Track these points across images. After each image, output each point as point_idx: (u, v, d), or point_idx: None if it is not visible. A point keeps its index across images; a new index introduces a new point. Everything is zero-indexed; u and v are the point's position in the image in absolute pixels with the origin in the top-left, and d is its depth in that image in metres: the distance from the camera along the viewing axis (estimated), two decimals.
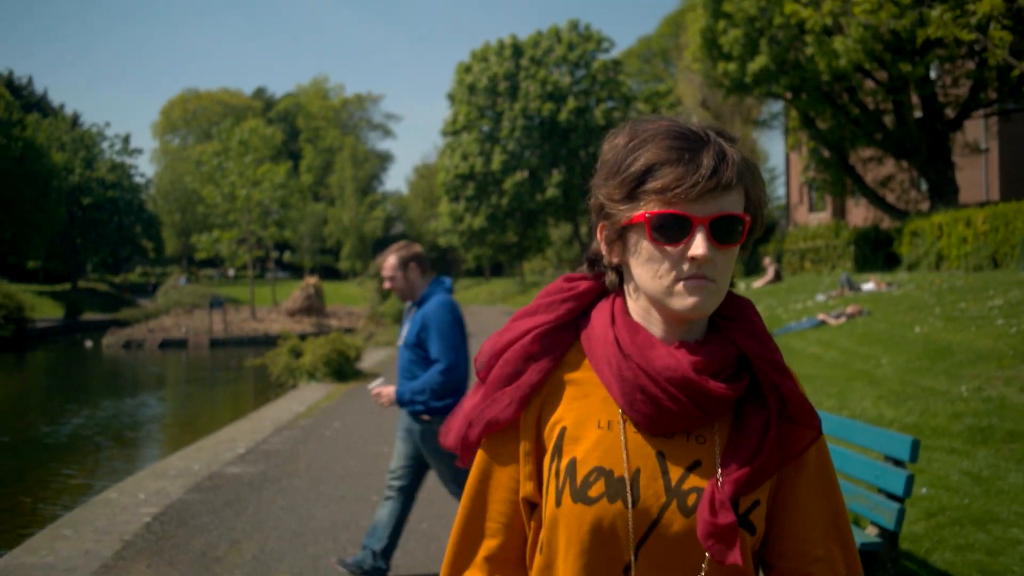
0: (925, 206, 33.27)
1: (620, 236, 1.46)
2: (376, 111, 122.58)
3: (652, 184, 1.38)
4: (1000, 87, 27.98)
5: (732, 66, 29.06)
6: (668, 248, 1.40)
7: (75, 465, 11.83)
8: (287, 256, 56.41)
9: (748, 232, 1.44)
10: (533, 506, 1.53)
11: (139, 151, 69.68)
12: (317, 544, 6.19)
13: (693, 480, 1.42)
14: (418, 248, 5.31)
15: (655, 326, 1.48)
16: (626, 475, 1.42)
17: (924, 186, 33.55)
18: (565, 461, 1.46)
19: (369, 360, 20.15)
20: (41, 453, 12.74)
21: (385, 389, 5.11)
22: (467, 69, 42.63)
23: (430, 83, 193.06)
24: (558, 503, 1.44)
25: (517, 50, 41.80)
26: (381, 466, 8.69)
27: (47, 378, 25.91)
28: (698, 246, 1.37)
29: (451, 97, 43.61)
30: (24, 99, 65.81)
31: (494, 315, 40.38)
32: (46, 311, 46.31)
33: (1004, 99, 30.54)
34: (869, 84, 29.86)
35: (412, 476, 5.26)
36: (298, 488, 7.92)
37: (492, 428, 1.52)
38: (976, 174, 41.54)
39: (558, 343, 1.53)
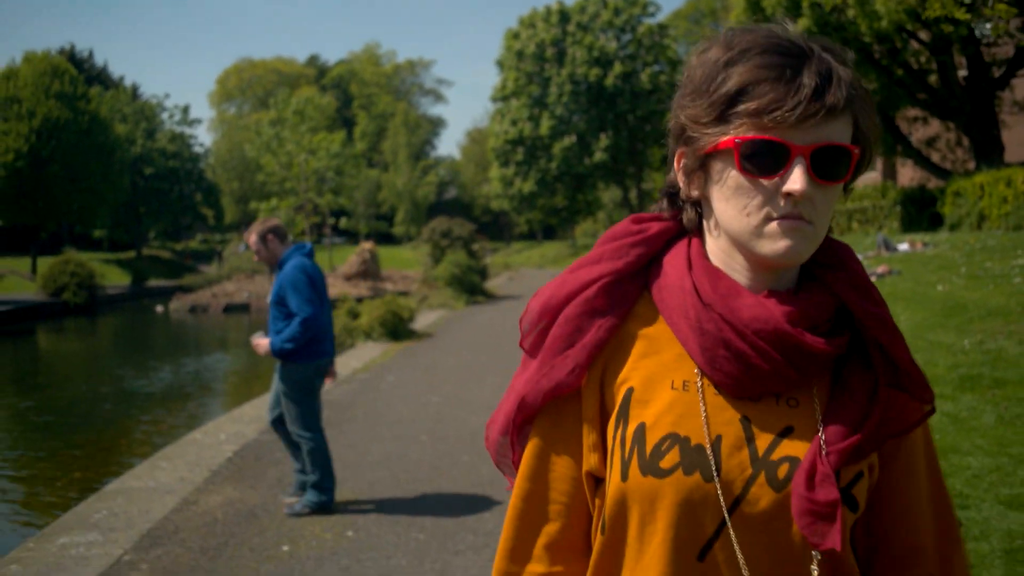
0: (971, 166, 33.46)
1: (702, 165, 1.28)
2: (428, 76, 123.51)
3: (746, 105, 1.20)
4: None
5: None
6: (761, 180, 1.22)
7: (164, 412, 13.14)
8: (343, 222, 57.61)
9: (855, 167, 1.25)
10: (598, 481, 1.34)
11: (198, 121, 71.39)
12: (372, 472, 7.24)
13: (785, 449, 1.24)
14: (275, 222, 6.32)
15: (739, 273, 1.30)
16: (706, 443, 1.24)
17: (968, 145, 33.68)
18: (632, 427, 1.27)
19: (422, 321, 21.26)
20: (135, 402, 14.12)
21: (262, 341, 6.12)
22: (515, 36, 43.35)
23: (481, 48, 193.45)
24: (624, 476, 1.25)
25: (564, 16, 42.40)
26: (430, 412, 9.74)
27: (126, 339, 27.45)
28: (796, 180, 1.19)
29: (500, 63, 44.39)
30: (86, 72, 67.55)
31: (545, 278, 41.27)
32: (114, 278, 48.07)
33: None
34: (913, 44, 30.08)
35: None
36: (356, 430, 8.98)
37: (553, 395, 1.32)
38: None
39: (626, 295, 1.34)
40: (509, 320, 21.02)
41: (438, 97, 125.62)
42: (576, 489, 1.34)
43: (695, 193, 1.30)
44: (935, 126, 34.31)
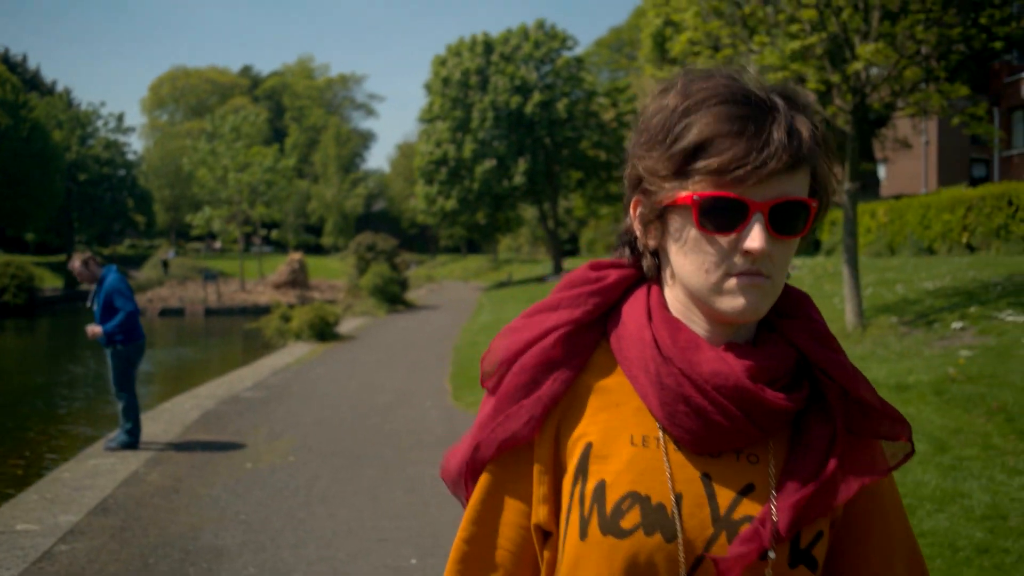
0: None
1: (659, 216, 1.24)
2: (360, 91, 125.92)
3: (706, 161, 1.15)
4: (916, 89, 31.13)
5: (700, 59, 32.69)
6: (718, 237, 1.18)
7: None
8: (274, 234, 59.99)
9: (813, 220, 1.20)
10: (546, 535, 1.31)
11: (132, 129, 72.92)
12: (306, 428, 9.99)
13: (745, 508, 1.20)
14: (89, 253, 9.09)
15: (698, 324, 1.26)
16: (668, 502, 1.20)
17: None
18: (592, 484, 1.23)
19: (347, 326, 23.94)
20: (98, 386, 16.58)
21: (95, 328, 8.79)
22: (442, 63, 46.11)
23: (413, 63, 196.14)
24: (583, 535, 1.22)
25: (488, 47, 45.30)
26: (350, 392, 12.51)
27: (72, 338, 29.62)
28: (754, 238, 1.16)
29: (427, 87, 47.09)
30: (19, 76, 68.79)
31: (467, 290, 44.13)
32: (47, 281, 49.65)
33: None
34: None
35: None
36: (292, 404, 11.70)
37: (507, 447, 1.28)
38: (916, 165, 45.36)
39: (584, 345, 1.30)
40: (423, 327, 23.90)
41: (369, 111, 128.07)
42: (524, 539, 1.30)
43: (652, 243, 1.27)
44: None
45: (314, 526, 6.34)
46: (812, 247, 33.78)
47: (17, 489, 7.95)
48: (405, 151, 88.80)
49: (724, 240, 1.18)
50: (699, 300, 1.23)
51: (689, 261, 1.21)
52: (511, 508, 1.31)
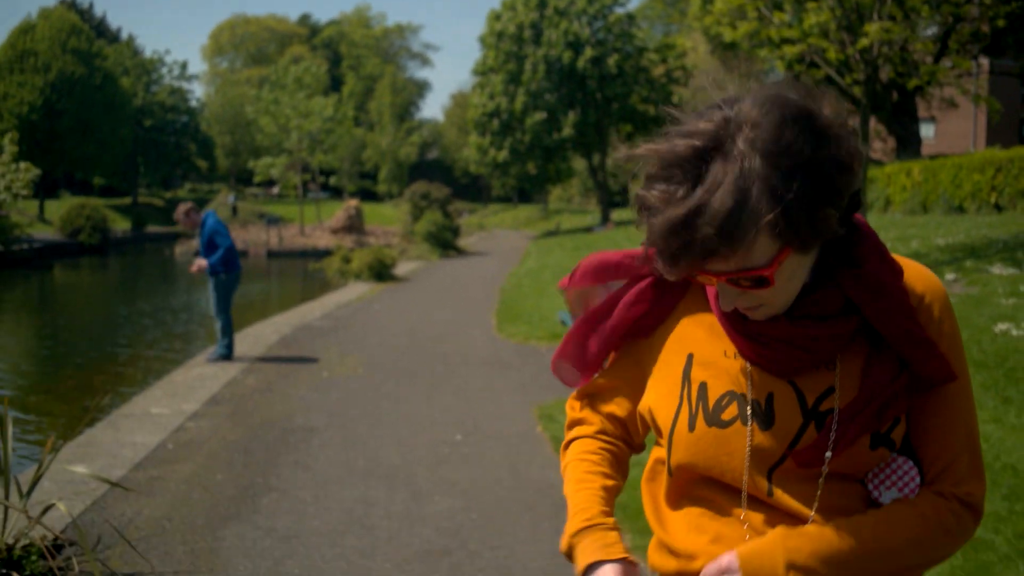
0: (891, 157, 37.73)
1: None
2: (415, 40, 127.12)
3: (653, 244, 1.30)
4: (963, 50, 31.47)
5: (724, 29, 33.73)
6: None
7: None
8: (332, 180, 61.94)
9: (772, 279, 1.30)
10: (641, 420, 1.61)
11: (196, 77, 75.15)
12: (369, 349, 11.74)
13: (829, 403, 1.41)
14: (191, 203, 10.75)
15: None
16: (759, 398, 1.43)
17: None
18: (696, 387, 1.48)
19: (402, 269, 25.72)
20: (196, 313, 18.53)
21: (201, 262, 10.49)
22: (497, 17, 47.38)
23: (467, 14, 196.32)
24: (691, 428, 1.46)
25: (543, 1, 46.47)
26: (406, 324, 14.27)
27: (163, 275, 31.84)
28: (724, 300, 1.37)
29: (482, 41, 48.45)
30: (87, 24, 71.06)
31: (517, 238, 45.74)
32: (116, 223, 52.16)
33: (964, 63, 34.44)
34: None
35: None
36: (357, 331, 13.47)
37: (629, 337, 1.59)
38: (967, 124, 45.96)
39: (684, 280, 1.48)
40: (473, 271, 25.66)
41: (424, 61, 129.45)
42: (637, 394, 1.62)
43: None
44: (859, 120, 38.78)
45: (381, 414, 8.09)
46: None
47: (142, 388, 9.81)
48: (459, 101, 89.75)
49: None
50: None
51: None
52: (633, 375, 1.62)
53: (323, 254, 32.46)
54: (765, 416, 1.43)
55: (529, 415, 8.09)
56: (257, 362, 10.80)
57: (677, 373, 1.52)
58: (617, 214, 52.56)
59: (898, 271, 1.43)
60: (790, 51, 14.45)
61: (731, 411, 1.45)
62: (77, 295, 26.22)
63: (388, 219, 58.98)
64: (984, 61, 40.43)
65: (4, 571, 4.24)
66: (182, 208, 10.80)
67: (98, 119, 52.47)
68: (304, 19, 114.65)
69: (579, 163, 56.88)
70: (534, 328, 13.37)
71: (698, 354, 1.51)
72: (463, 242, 38.46)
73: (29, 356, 15.32)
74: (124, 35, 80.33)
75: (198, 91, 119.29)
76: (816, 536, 1.37)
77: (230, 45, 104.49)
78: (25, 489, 4.45)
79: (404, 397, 8.87)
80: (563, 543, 1.57)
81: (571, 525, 1.55)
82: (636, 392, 1.62)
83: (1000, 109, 24.07)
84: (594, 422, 1.69)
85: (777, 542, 1.37)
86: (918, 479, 1.46)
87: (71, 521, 4.67)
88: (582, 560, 1.50)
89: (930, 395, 1.46)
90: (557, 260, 27.02)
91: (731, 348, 1.48)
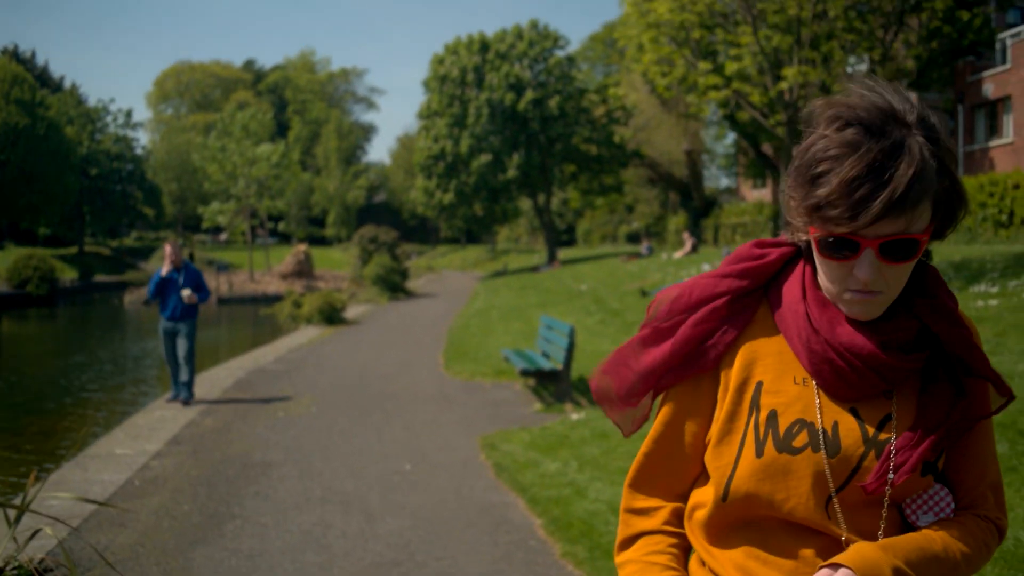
0: None
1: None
2: (361, 85, 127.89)
3: (824, 210, 1.40)
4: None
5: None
6: (835, 263, 1.46)
7: (159, 370, 17.93)
8: (280, 226, 62.46)
9: (920, 250, 1.43)
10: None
11: (140, 124, 75.17)
12: (321, 389, 12.25)
13: (887, 432, 1.51)
14: (180, 241, 11.73)
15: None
16: (826, 427, 1.51)
17: None
18: (764, 414, 1.54)
19: (352, 312, 26.21)
20: (143, 362, 18.86)
21: (192, 295, 11.01)
22: (440, 61, 48.27)
23: (412, 58, 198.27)
24: (759, 454, 1.52)
25: (484, 46, 47.47)
26: (356, 364, 14.79)
27: (113, 324, 31.94)
28: (862, 270, 1.42)
29: (426, 84, 49.29)
30: (30, 72, 70.94)
31: (465, 280, 46.39)
32: (63, 273, 51.97)
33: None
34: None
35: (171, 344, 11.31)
36: (309, 373, 13.97)
37: (692, 375, 1.61)
38: None
39: (747, 307, 1.61)
40: (422, 312, 26.21)
41: (370, 105, 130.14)
42: (700, 445, 1.63)
43: (803, 238, 1.55)
44: None
45: (335, 448, 8.63)
46: None
47: (104, 431, 10.25)
48: (406, 143, 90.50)
49: (840, 265, 1.45)
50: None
51: (821, 270, 1.51)
52: (694, 423, 1.63)
53: (273, 299, 32.92)
54: (832, 443, 1.51)
55: (473, 445, 8.67)
56: (214, 404, 11.27)
57: (745, 401, 1.57)
58: (564, 253, 53.39)
59: (956, 301, 1.57)
60: (715, 96, 15.30)
61: (802, 438, 1.51)
62: (30, 345, 26.33)
63: (337, 263, 59.37)
64: (913, 96, 41.98)
65: None
66: (175, 245, 11.28)
67: (43, 169, 52.47)
68: (249, 64, 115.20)
69: (525, 203, 57.73)
70: (479, 365, 13.98)
71: (767, 382, 1.56)
72: (412, 284, 39.02)
73: None
74: (67, 83, 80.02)
75: (143, 138, 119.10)
76: (906, 547, 1.47)
77: (175, 92, 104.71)
78: (12, 519, 4.96)
79: (356, 432, 9.41)
80: None
81: None
82: (698, 451, 1.65)
83: None
84: (657, 514, 1.69)
85: (878, 549, 1.46)
86: (952, 504, 1.56)
87: (56, 544, 5.17)
88: None
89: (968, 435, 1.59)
90: (504, 300, 27.69)
91: (799, 374, 1.56)
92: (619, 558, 1.69)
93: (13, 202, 51.74)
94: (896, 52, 28.07)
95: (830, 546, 1.51)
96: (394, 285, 33.29)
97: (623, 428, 1.69)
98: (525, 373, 10.86)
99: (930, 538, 1.50)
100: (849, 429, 1.51)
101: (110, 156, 70.12)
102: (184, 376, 11.28)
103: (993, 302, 12.42)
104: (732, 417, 1.57)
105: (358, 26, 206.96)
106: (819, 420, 1.52)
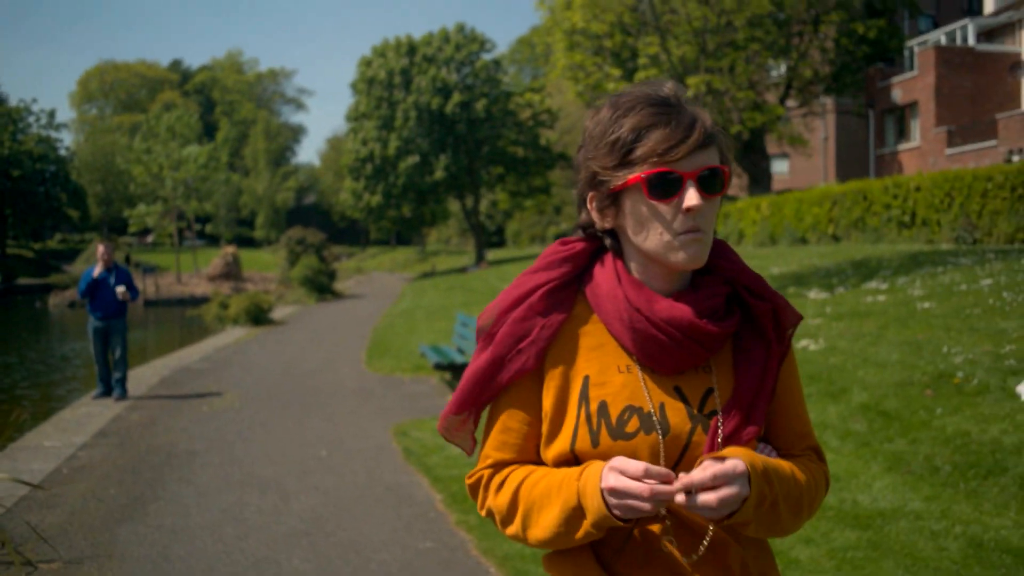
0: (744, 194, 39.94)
1: (613, 202, 1.64)
2: (289, 86, 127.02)
3: (642, 148, 1.55)
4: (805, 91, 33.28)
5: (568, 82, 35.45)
6: (662, 205, 1.57)
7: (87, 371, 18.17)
8: (207, 228, 62.32)
9: (726, 181, 1.61)
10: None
11: (64, 125, 74.15)
12: (246, 385, 12.70)
13: (710, 405, 1.63)
14: (112, 242, 12.13)
15: (655, 280, 1.66)
16: (656, 409, 1.61)
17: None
18: (595, 405, 1.62)
19: (279, 313, 26.55)
20: (74, 361, 19.05)
21: (126, 292, 11.43)
22: (368, 64, 48.68)
23: (341, 58, 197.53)
24: (595, 444, 1.60)
25: (412, 48, 47.98)
26: (281, 361, 15.24)
27: (39, 325, 31.78)
28: (691, 198, 1.55)
29: (353, 87, 49.64)
30: None
31: (393, 281, 46.73)
32: None
33: (808, 103, 36.39)
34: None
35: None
36: (234, 371, 14.39)
37: (516, 377, 1.67)
38: (817, 160, 48.71)
39: (564, 299, 1.69)
40: (348, 313, 26.67)
41: (299, 106, 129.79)
42: (535, 437, 1.70)
43: (608, 224, 1.67)
44: None
45: (256, 438, 9.13)
46: None
47: (34, 424, 10.60)
48: (335, 145, 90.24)
49: (667, 206, 1.58)
50: (656, 259, 1.63)
51: (645, 230, 1.61)
52: (524, 424, 1.70)
53: (201, 301, 33.04)
54: (662, 423, 1.60)
55: (386, 433, 9.24)
56: (141, 400, 11.67)
57: (572, 395, 1.65)
58: (493, 254, 54.00)
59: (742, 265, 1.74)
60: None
61: (633, 423, 1.60)
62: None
63: (266, 265, 59.19)
64: (829, 100, 43.24)
65: None
66: (107, 245, 11.66)
67: None
68: (175, 65, 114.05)
69: (454, 205, 58.26)
70: (400, 361, 14.53)
71: (593, 375, 1.65)
72: (340, 285, 39.33)
73: None
74: None
75: (67, 139, 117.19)
76: (763, 459, 1.59)
77: (99, 92, 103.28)
78: None
79: (277, 424, 9.92)
80: (572, 508, 1.59)
81: (567, 490, 1.60)
82: (535, 447, 1.72)
83: (805, 141, 26.33)
84: (514, 461, 1.74)
85: (749, 451, 1.57)
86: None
87: None
88: (591, 484, 1.55)
89: (780, 383, 1.74)
90: (430, 300, 28.24)
91: (623, 363, 1.65)
92: (497, 503, 1.71)
93: None
94: (811, 57, 29.14)
95: (674, 525, 1.60)
96: (321, 286, 33.65)
97: (464, 447, 1.79)
98: (438, 367, 11.45)
99: (777, 461, 1.64)
100: (675, 408, 1.62)
101: (33, 157, 69.08)
102: (118, 373, 11.67)
103: (881, 298, 13.29)
104: (561, 412, 1.66)
105: (286, 27, 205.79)
106: (648, 403, 1.61)
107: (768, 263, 21.40)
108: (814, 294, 14.94)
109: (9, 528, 6.09)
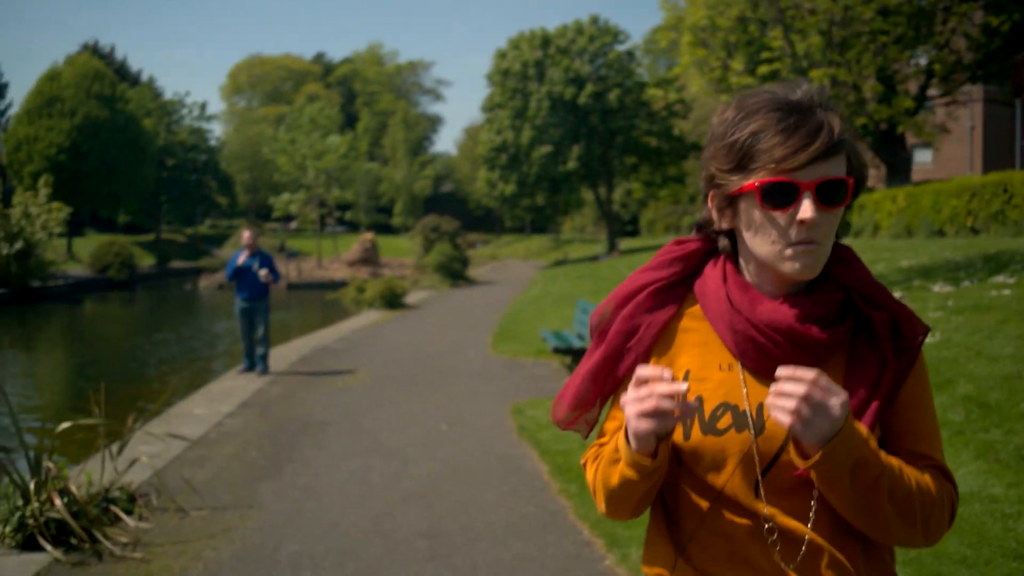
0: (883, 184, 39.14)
1: (730, 204, 1.61)
2: (427, 77, 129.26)
3: (760, 154, 1.52)
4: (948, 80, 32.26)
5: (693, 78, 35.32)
6: (777, 214, 1.53)
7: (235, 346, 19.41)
8: (347, 215, 64.46)
9: (852, 193, 1.55)
10: None
11: (215, 117, 77.49)
12: (379, 365, 13.47)
13: None
14: (256, 228, 13.01)
15: (767, 284, 1.62)
16: (749, 408, 1.58)
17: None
18: (691, 399, 1.61)
19: (413, 297, 27.55)
20: (227, 336, 20.37)
21: (268, 274, 12.23)
22: (503, 56, 49.41)
23: (479, 50, 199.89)
24: (687, 437, 1.60)
25: (546, 41, 48.48)
26: (412, 342, 16.04)
27: (190, 306, 33.76)
28: (805, 210, 1.49)
29: (489, 78, 50.49)
30: (109, 67, 73.52)
31: (526, 268, 47.34)
32: (141, 259, 54.22)
33: (953, 91, 35.23)
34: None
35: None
36: (367, 351, 15.22)
37: (626, 374, 1.68)
38: (963, 150, 47.33)
39: (673, 297, 1.70)
40: (480, 299, 27.46)
41: (437, 96, 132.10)
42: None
43: (726, 225, 1.64)
44: None
45: (383, 412, 9.84)
46: (842, 229, 35.99)
47: (184, 396, 11.59)
48: (471, 135, 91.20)
49: (782, 215, 1.53)
50: (768, 266, 1.59)
51: (758, 236, 1.57)
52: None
53: (340, 285, 34.38)
54: (757, 423, 1.58)
55: (504, 411, 9.82)
56: (281, 375, 12.58)
57: None
58: (626, 243, 54.16)
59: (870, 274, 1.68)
60: None
61: (726, 420, 1.59)
62: (115, 325, 28.18)
63: (402, 251, 60.46)
64: (976, 88, 41.86)
65: (104, 504, 5.96)
66: (253, 230, 12.68)
67: (122, 159, 54.60)
68: (319, 58, 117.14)
69: (588, 194, 58.57)
70: (524, 346, 15.11)
71: (694, 370, 1.65)
72: (473, 272, 40.22)
73: (83, 376, 17.15)
74: (145, 76, 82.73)
75: (217, 129, 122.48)
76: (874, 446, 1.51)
77: (247, 84, 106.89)
78: (116, 452, 6.23)
79: (403, 400, 10.62)
80: (614, 459, 1.65)
81: (609, 459, 1.67)
82: None
83: (936, 136, 25.64)
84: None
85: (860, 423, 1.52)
86: None
87: (152, 473, 6.44)
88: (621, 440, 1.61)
89: (904, 395, 1.63)
90: (560, 288, 28.74)
91: (725, 361, 1.64)
92: (591, 477, 1.77)
93: (94, 191, 53.93)
94: (954, 44, 28.37)
95: (761, 527, 1.58)
96: (455, 272, 34.56)
97: (580, 431, 1.79)
98: (557, 351, 11.97)
99: (888, 458, 1.54)
100: None
101: (185, 147, 72.47)
102: (261, 350, 12.59)
103: (1007, 292, 13.19)
104: None
105: (426, 20, 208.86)
106: (744, 402, 1.59)
107: (900, 256, 21.15)
108: (938, 287, 14.84)
109: (166, 481, 6.88)
